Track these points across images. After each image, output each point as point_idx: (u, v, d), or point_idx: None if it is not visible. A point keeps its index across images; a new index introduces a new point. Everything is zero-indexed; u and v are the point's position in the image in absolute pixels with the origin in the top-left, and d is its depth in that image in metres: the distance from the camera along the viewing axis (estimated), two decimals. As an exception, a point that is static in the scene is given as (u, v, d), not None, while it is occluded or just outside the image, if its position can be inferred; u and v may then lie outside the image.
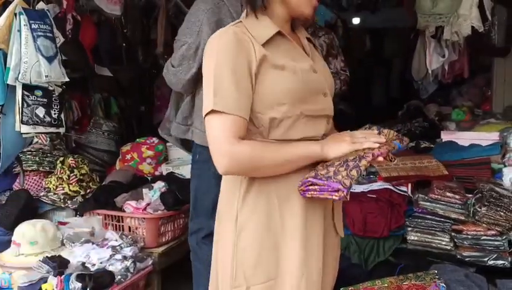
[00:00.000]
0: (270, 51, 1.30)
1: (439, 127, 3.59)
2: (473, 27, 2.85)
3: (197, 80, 2.14)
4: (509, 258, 2.16)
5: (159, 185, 2.79)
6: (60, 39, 2.70)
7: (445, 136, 3.17)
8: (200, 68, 2.07)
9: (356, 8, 5.51)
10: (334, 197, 1.21)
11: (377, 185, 2.69)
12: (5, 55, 2.56)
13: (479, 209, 2.22)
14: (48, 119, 2.55)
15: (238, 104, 1.24)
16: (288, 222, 1.33)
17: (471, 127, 3.46)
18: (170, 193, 2.71)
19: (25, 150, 3.00)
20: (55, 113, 2.59)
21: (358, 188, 2.71)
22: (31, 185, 3.00)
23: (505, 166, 2.56)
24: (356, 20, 7.03)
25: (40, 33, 2.51)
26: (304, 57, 1.39)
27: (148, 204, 2.69)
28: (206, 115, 1.27)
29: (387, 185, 2.65)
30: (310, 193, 1.24)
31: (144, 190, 2.78)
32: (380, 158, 1.25)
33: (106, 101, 4.30)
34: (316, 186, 1.23)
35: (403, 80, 6.56)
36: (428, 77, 3.56)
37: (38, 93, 2.56)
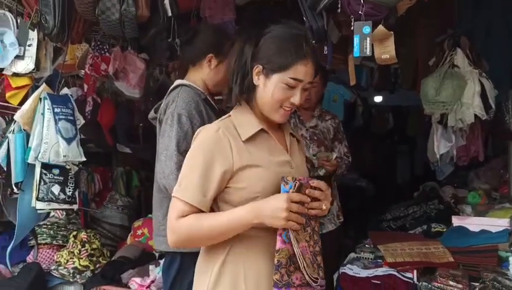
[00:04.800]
0: (250, 147, 1.42)
1: (455, 210, 3.54)
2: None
3: None
4: None
5: (165, 263, 2.82)
6: (81, 121, 2.89)
7: (456, 221, 3.13)
8: None
9: (375, 89, 5.63)
10: None
11: (382, 271, 2.64)
12: (28, 136, 2.76)
13: (481, 300, 2.16)
14: (62, 196, 2.69)
15: (195, 196, 1.39)
16: None
17: (487, 211, 3.39)
18: (174, 271, 2.73)
19: (40, 223, 3.13)
20: (69, 191, 2.73)
21: (362, 273, 2.68)
22: (44, 258, 3.09)
23: (512, 255, 2.49)
24: (378, 99, 7.12)
25: (61, 116, 2.72)
26: (283, 153, 1.50)
27: (152, 281, 2.72)
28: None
29: (392, 271, 2.61)
30: None
31: (150, 266, 2.83)
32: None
33: (128, 174, 4.47)
34: None
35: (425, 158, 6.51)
36: (441, 160, 3.55)
37: (56, 171, 2.72)
